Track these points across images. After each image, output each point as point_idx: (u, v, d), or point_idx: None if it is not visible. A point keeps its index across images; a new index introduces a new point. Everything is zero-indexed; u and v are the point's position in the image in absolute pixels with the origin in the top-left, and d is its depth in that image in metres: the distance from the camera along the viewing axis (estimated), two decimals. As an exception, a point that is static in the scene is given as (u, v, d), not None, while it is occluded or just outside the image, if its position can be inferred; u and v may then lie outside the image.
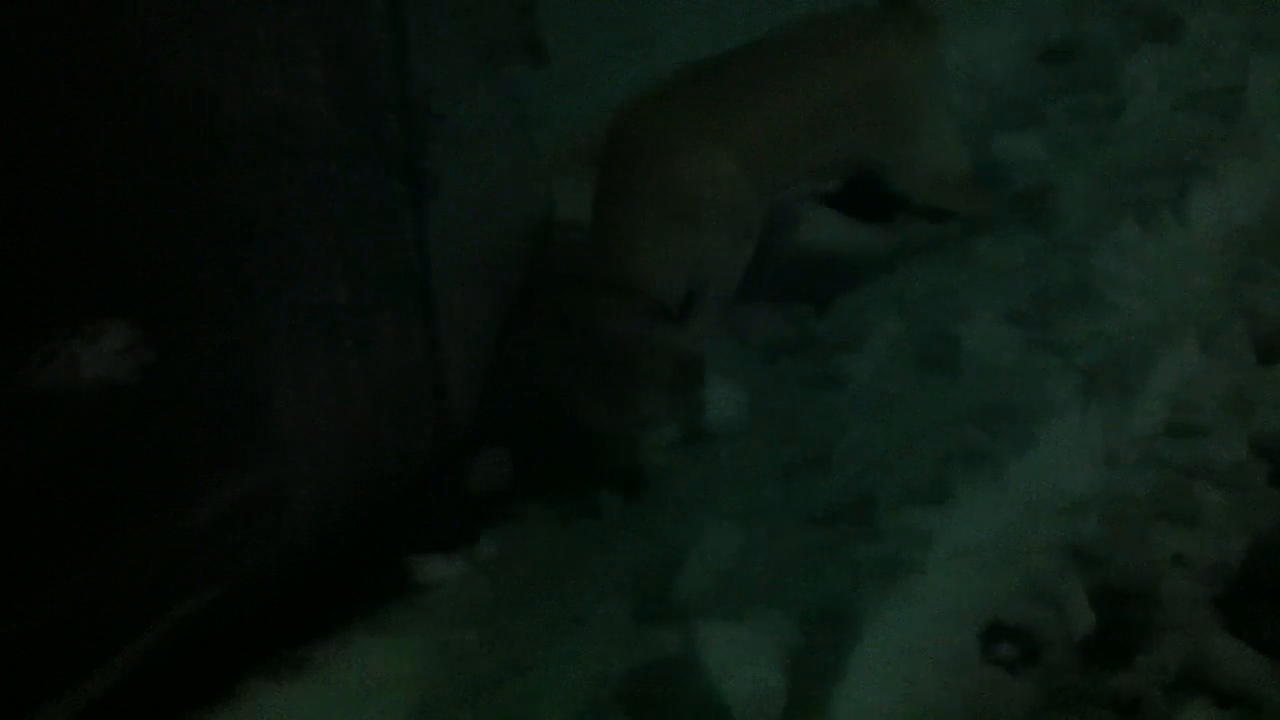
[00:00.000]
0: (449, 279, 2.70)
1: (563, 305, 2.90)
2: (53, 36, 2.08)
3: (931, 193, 3.39)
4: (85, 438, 2.14)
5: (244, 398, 2.32)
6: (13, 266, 2.07)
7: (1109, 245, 3.26)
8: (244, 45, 2.51)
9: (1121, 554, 2.58)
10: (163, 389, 2.21)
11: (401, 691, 2.26)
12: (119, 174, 2.18)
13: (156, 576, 2.26)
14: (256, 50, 2.51)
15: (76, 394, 2.11)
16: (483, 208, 2.75)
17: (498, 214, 2.83)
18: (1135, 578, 2.54)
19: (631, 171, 2.96)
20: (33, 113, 2.08)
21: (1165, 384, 2.96)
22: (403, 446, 2.69)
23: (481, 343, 2.87)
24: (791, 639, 2.37)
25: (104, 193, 2.16)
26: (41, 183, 2.10)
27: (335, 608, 2.42)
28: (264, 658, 2.27)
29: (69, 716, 2.15)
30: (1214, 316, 3.16)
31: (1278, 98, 3.79)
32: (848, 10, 3.35)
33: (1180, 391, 2.97)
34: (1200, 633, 2.41)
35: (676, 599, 2.48)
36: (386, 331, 2.58)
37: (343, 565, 2.54)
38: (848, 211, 3.60)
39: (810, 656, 2.34)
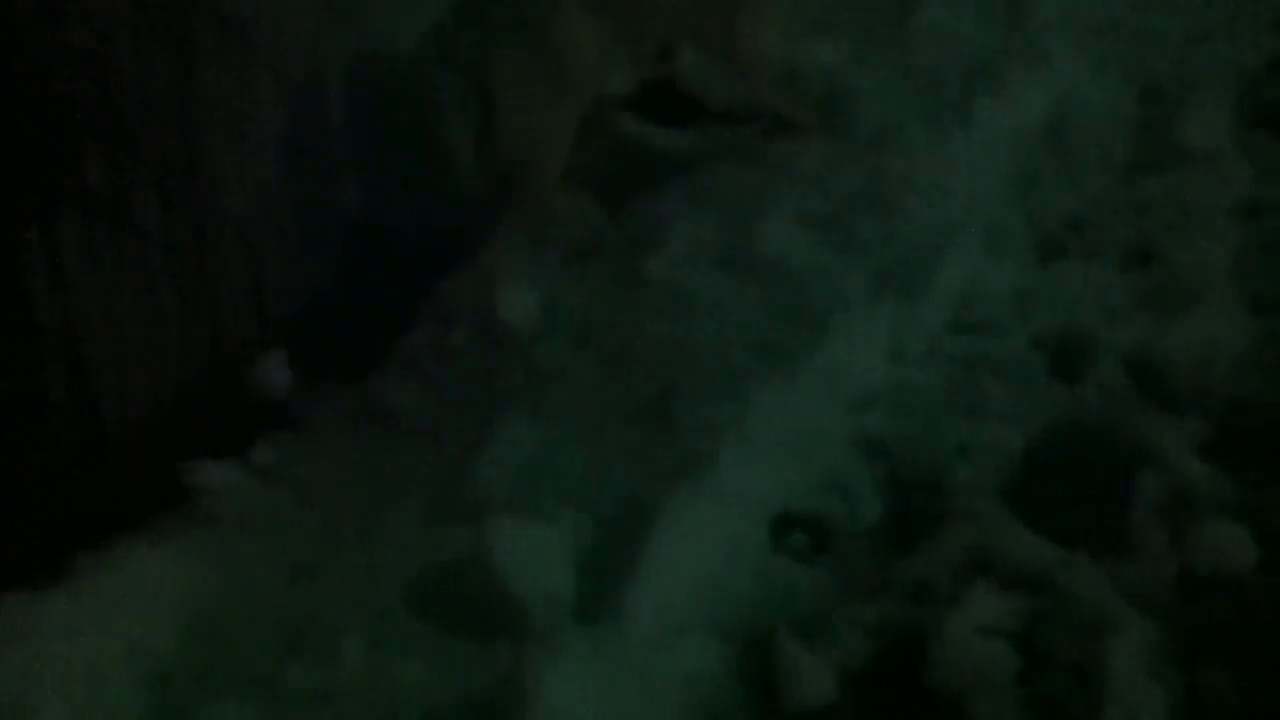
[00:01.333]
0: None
1: None
2: None
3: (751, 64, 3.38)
4: None
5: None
6: None
7: (899, 149, 3.29)
8: None
9: (908, 445, 2.61)
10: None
11: (172, 600, 2.13)
12: None
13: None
14: None
15: None
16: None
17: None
18: (922, 468, 2.57)
19: None
20: None
21: (951, 283, 3.00)
22: (177, 350, 2.54)
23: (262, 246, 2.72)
24: (584, 537, 2.33)
25: None
26: None
27: (102, 515, 2.26)
28: (19, 564, 2.11)
29: None
30: (998, 217, 3.22)
31: (1059, 5, 3.87)
32: None
33: (966, 290, 3.01)
34: (985, 520, 2.45)
35: (467, 500, 2.41)
36: (153, 224, 2.41)
37: (111, 472, 2.39)
38: (646, 115, 3.56)
39: (603, 554, 2.30)
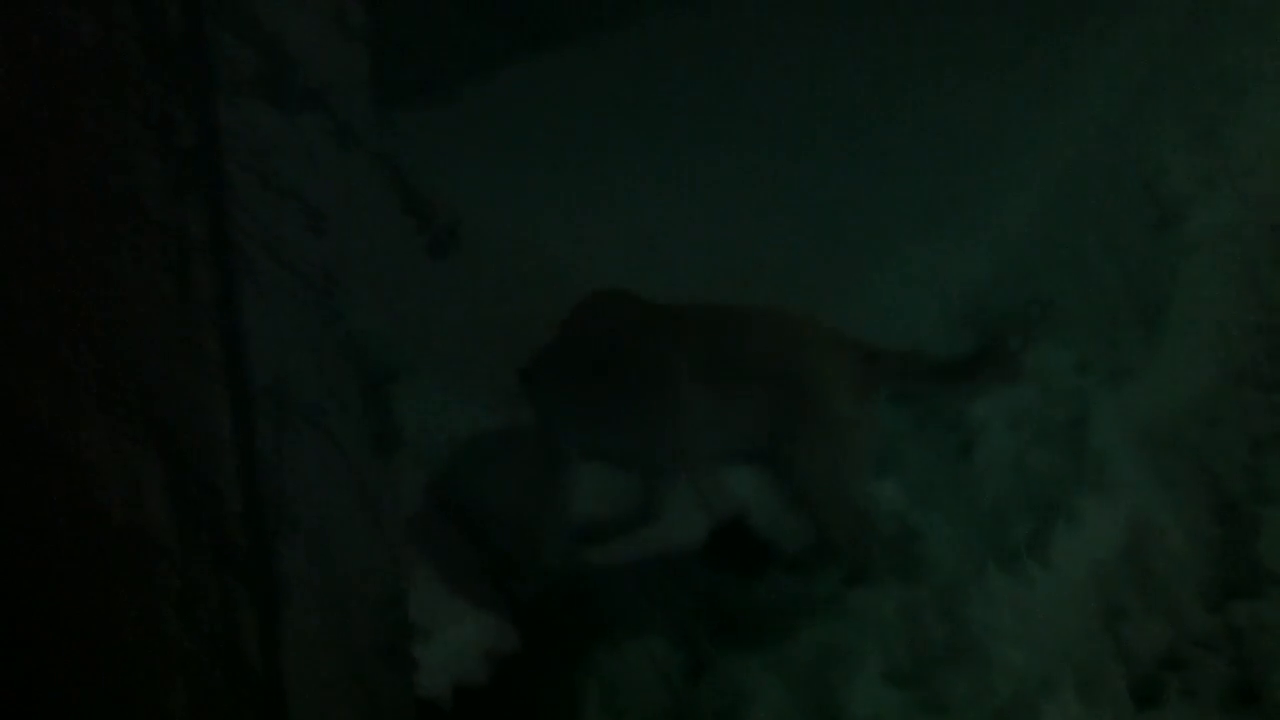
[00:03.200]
0: (302, 688, 2.53)
1: None
2: None
3: (824, 505, 3.35)
4: None
5: None
6: None
7: (979, 594, 3.25)
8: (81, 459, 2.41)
9: None
10: None
11: None
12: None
13: None
14: (94, 464, 2.41)
15: None
16: (334, 609, 2.61)
17: (350, 611, 2.69)
18: None
19: None
20: None
21: (1051, 739, 2.90)
22: None
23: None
24: None
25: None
26: None
27: None
28: None
29: None
30: (1090, 660, 3.14)
31: (1118, 428, 3.90)
32: None
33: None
34: None
35: None
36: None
37: None
38: (719, 564, 3.57)
39: None
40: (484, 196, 4.91)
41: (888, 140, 6.17)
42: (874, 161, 5.91)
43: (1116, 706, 3.04)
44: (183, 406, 2.36)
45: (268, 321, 2.35)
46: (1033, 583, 3.30)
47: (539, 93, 7.16)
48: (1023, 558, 3.34)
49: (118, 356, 2.32)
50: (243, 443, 2.44)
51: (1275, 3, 8.30)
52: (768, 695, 3.03)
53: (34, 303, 2.43)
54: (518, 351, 3.58)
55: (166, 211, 2.25)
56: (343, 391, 2.52)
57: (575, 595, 3.46)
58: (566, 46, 8.18)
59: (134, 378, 2.33)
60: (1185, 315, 4.46)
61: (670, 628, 3.37)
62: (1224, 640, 3.24)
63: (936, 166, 5.98)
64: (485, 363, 4.19)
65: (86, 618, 2.31)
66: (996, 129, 6.39)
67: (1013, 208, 5.64)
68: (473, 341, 4.23)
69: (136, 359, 2.32)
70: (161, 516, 2.41)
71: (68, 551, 2.32)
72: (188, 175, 2.23)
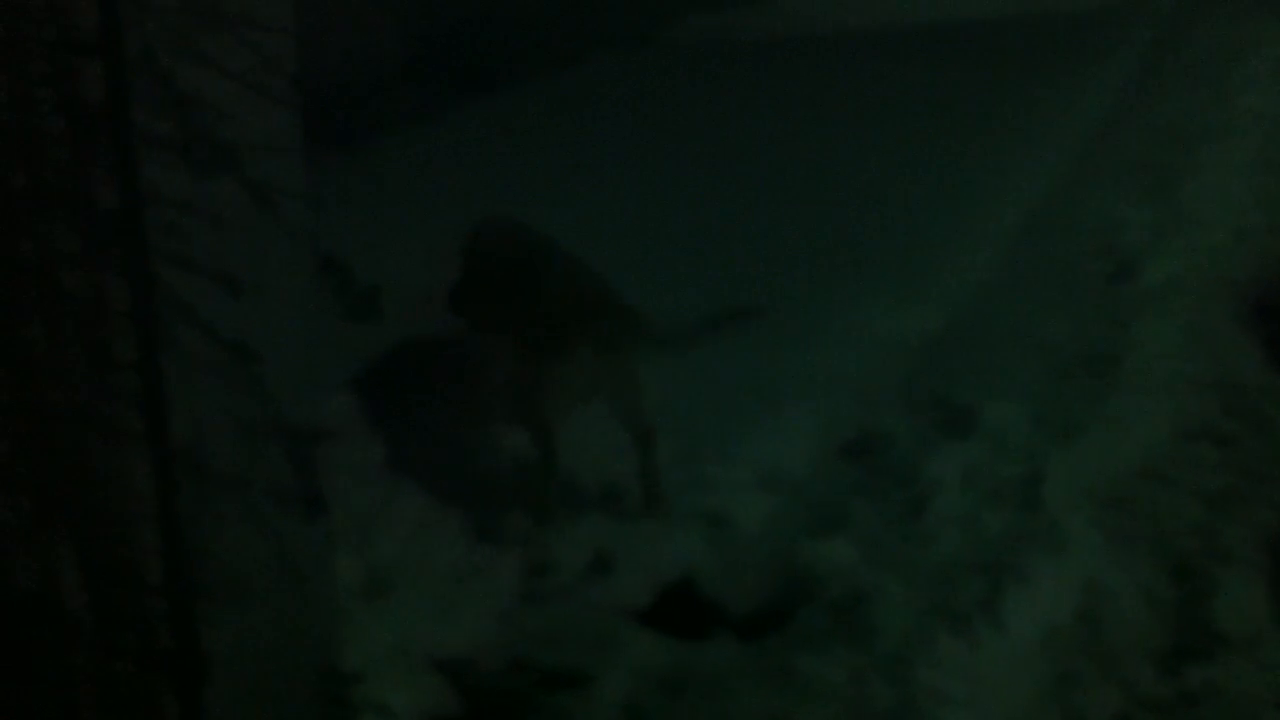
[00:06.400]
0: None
1: None
2: None
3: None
4: None
5: None
6: None
7: (928, 658, 3.18)
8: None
9: None
10: None
11: None
12: None
13: None
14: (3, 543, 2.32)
15: None
16: (261, 685, 2.52)
17: (278, 687, 2.60)
18: None
19: None
20: None
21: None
22: None
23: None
24: None
25: None
26: None
27: None
28: None
29: None
30: (1041, 728, 3.08)
31: (1073, 486, 3.86)
32: None
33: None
34: None
35: None
36: None
37: None
38: (663, 627, 3.49)
39: None
40: (418, 253, 4.89)
41: (838, 190, 6.18)
42: (824, 212, 5.90)
43: (1068, 774, 2.97)
44: (99, 479, 2.28)
45: (186, 389, 2.27)
46: (983, 646, 3.23)
47: (476, 141, 7.15)
48: (973, 620, 3.28)
49: (29, 429, 2.23)
50: (162, 515, 2.36)
51: (1227, 55, 8.40)
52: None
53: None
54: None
55: (82, 279, 2.18)
56: (266, 458, 2.45)
57: (517, 658, 3.37)
58: (506, 92, 8.21)
59: (46, 450, 2.24)
60: (1137, 369, 4.44)
61: (614, 691, 3.29)
62: (1176, 705, 3.18)
63: (891, 218, 5.98)
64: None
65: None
66: (953, 180, 6.41)
67: (968, 261, 5.64)
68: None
69: (48, 431, 2.24)
70: (77, 595, 2.32)
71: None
72: (105, 242, 2.16)
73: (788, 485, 4.04)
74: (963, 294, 5.28)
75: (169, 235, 2.09)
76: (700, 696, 3.25)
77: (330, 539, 2.75)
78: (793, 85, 7.89)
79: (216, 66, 2.10)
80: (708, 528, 3.87)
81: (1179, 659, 3.32)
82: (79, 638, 2.33)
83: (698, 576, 3.66)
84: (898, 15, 9.48)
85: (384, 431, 4.20)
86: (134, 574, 2.35)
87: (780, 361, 4.71)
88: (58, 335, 2.21)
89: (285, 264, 2.19)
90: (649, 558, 3.78)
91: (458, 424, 4.33)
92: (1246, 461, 3.98)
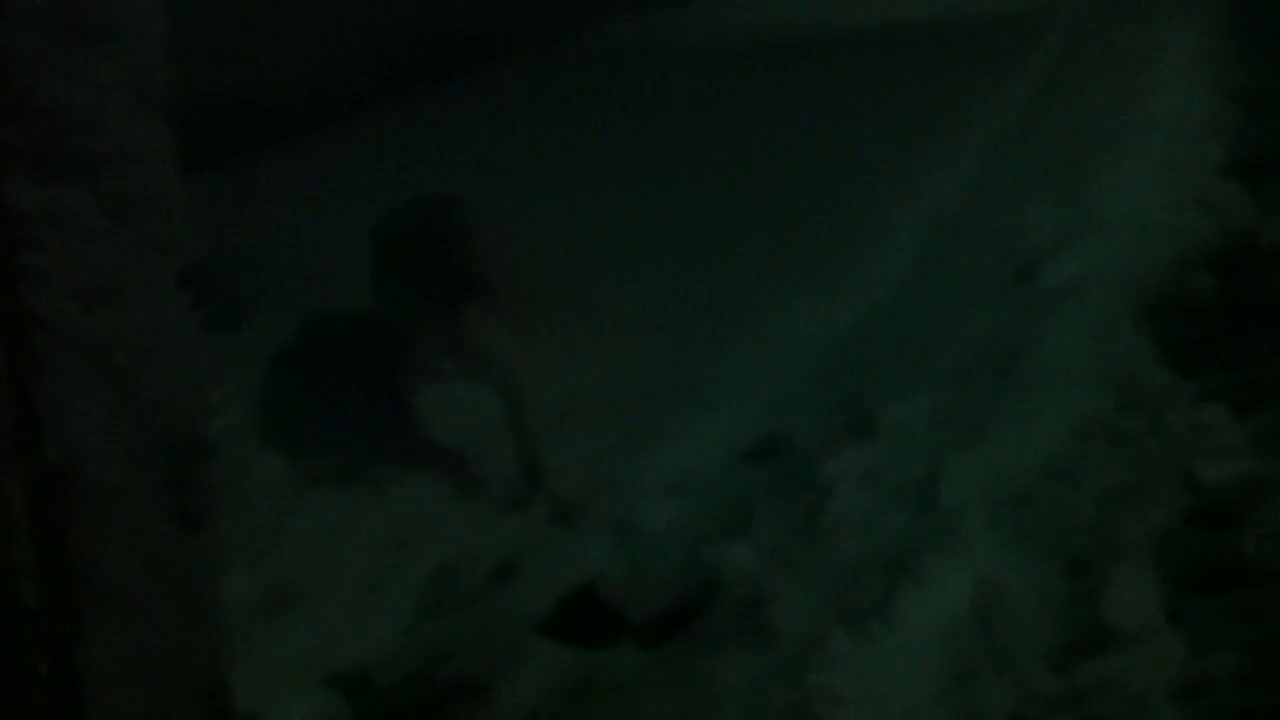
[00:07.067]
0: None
1: None
2: None
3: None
4: None
5: None
6: None
7: (824, 659, 3.21)
8: None
9: None
10: None
11: None
12: None
13: None
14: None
15: None
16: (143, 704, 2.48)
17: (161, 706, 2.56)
18: None
19: None
20: None
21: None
22: None
23: None
24: None
25: None
26: None
27: None
28: None
29: None
30: (935, 728, 3.10)
31: (971, 485, 3.90)
32: None
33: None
34: None
35: None
36: None
37: None
38: (567, 635, 3.51)
39: None
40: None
41: (753, 193, 6.21)
42: (737, 213, 5.94)
43: (961, 774, 3.00)
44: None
45: (58, 401, 2.24)
46: (878, 646, 3.26)
47: (397, 143, 7.13)
48: (869, 620, 3.30)
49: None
50: (35, 529, 2.33)
51: (1138, 53, 8.53)
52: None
53: None
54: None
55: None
56: (143, 468, 2.42)
57: (414, 671, 3.36)
58: (426, 93, 8.20)
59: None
60: (1038, 368, 4.50)
61: (514, 700, 3.29)
62: (1070, 701, 3.22)
63: (804, 219, 6.02)
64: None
65: None
66: (866, 182, 6.46)
67: (881, 262, 5.69)
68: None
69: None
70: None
71: None
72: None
73: (695, 488, 4.06)
74: (874, 294, 5.33)
75: (29, 246, 2.06)
76: (603, 703, 3.26)
77: (217, 553, 2.72)
78: (707, 89, 7.94)
79: (79, 74, 2.07)
80: (613, 534, 3.89)
81: (1072, 655, 3.36)
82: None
83: (603, 581, 3.68)
84: (812, 20, 9.56)
85: (290, 441, 4.17)
86: (8, 591, 2.31)
87: (693, 362, 4.75)
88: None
89: (149, 276, 2.16)
90: (554, 563, 3.80)
91: (379, 419, 4.32)
92: (1142, 459, 4.04)
